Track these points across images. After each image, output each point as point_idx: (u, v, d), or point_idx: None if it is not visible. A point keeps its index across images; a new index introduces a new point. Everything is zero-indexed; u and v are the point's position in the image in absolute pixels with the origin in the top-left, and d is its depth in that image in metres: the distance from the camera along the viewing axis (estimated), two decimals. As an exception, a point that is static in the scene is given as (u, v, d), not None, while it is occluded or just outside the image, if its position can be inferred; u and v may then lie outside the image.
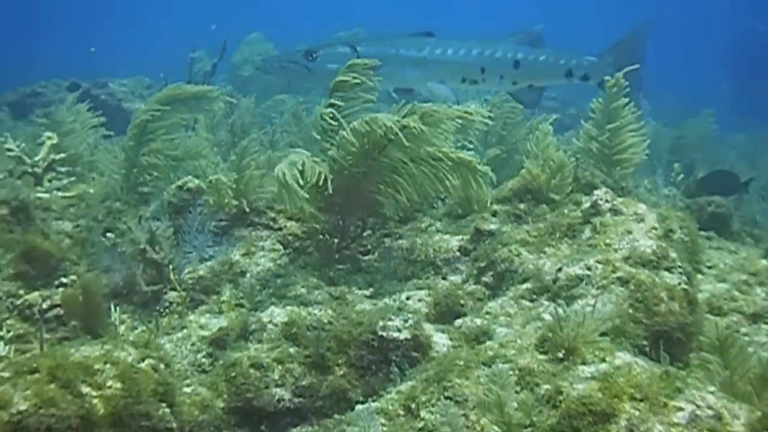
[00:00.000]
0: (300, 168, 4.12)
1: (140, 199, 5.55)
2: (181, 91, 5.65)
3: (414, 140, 4.33)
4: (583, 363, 3.24)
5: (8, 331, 4.18)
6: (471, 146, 6.06)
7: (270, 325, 3.83)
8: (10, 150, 6.64)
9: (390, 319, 3.73)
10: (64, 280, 4.67)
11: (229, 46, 14.86)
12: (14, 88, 13.91)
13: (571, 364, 3.24)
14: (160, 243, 4.36)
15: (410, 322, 3.73)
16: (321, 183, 4.21)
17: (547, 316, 3.86)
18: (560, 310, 3.37)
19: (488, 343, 3.60)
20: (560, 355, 3.29)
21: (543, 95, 6.31)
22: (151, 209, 5.00)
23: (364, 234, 4.85)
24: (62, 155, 6.80)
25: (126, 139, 5.71)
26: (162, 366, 3.22)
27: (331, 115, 4.63)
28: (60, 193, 6.41)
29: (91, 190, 6.63)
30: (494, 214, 5.00)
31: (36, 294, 4.40)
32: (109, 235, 4.89)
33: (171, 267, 4.34)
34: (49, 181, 6.73)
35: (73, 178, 6.83)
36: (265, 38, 15.57)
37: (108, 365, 3.07)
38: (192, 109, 5.77)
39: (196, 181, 4.92)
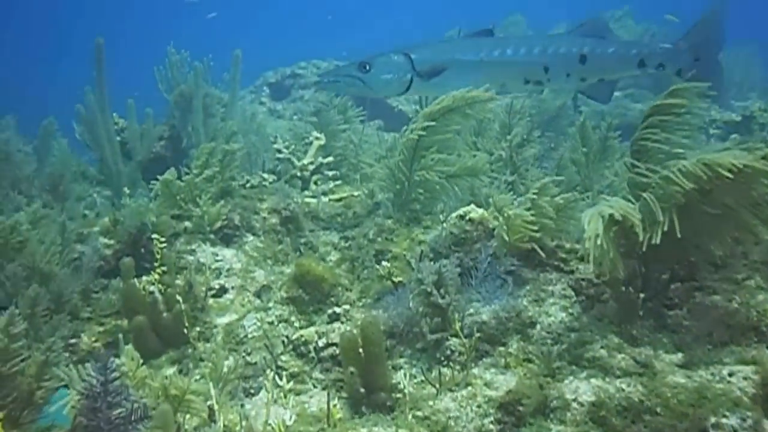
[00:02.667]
0: (606, 220, 3.53)
1: (411, 217, 5.20)
2: (456, 101, 5.21)
3: (749, 182, 3.62)
4: None
5: (284, 370, 3.99)
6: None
7: (574, 404, 3.32)
8: (279, 152, 6.57)
9: (724, 416, 3.10)
10: (337, 309, 4.42)
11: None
12: (275, 68, 14.25)
13: None
14: (447, 286, 3.96)
15: (749, 422, 3.08)
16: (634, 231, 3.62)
17: None
18: None
19: None
20: None
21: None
22: (430, 238, 4.61)
23: (671, 285, 4.19)
24: (330, 159, 6.65)
25: (397, 153, 5.35)
26: (461, 459, 2.81)
27: (649, 142, 4.02)
28: (326, 198, 6.25)
29: (356, 193, 6.43)
30: (829, 267, 4.17)
31: (312, 330, 4.17)
32: (384, 264, 4.58)
33: (456, 314, 3.93)
34: (315, 183, 6.61)
35: (339, 182, 6.66)
36: (526, 21, 14.96)
37: (404, 456, 2.71)
38: (465, 116, 5.31)
39: (479, 211, 4.47)
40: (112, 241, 5.44)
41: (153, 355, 4.62)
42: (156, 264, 4.72)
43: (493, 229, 4.35)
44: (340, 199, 6.42)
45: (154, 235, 4.72)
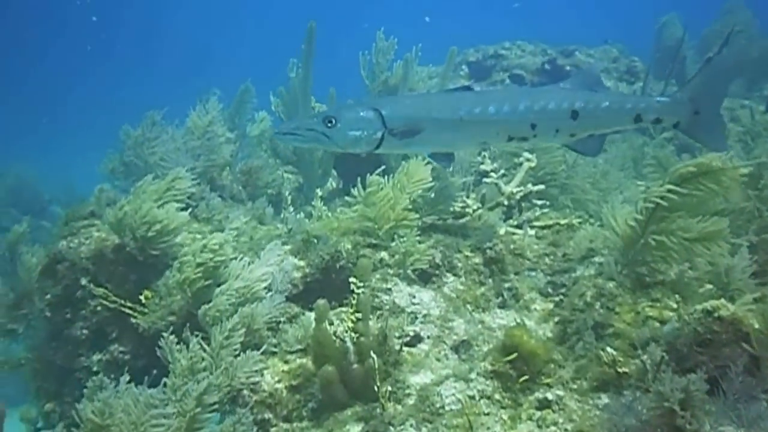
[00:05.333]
0: None
1: (638, 283, 4.54)
2: (706, 166, 4.45)
3: None
4: None
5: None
6: None
7: None
8: (486, 174, 6.03)
9: None
10: (548, 395, 3.88)
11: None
12: (477, 46, 13.66)
13: None
14: (695, 407, 3.30)
15: None
16: None
17: None
18: None
19: None
20: None
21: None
22: (667, 329, 3.94)
23: None
24: (540, 186, 6.05)
25: (634, 211, 4.66)
26: None
27: None
28: (531, 231, 5.69)
29: (563, 221, 5.84)
30: None
31: (523, 429, 3.66)
32: (609, 350, 3.98)
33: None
34: (520, 211, 6.04)
35: (546, 210, 6.05)
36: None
37: None
38: (718, 183, 4.50)
39: (731, 308, 3.73)
40: (302, 263, 5.16)
41: (338, 407, 4.30)
42: (351, 309, 4.38)
43: (748, 333, 3.64)
44: (545, 227, 5.84)
45: (352, 280, 4.36)
